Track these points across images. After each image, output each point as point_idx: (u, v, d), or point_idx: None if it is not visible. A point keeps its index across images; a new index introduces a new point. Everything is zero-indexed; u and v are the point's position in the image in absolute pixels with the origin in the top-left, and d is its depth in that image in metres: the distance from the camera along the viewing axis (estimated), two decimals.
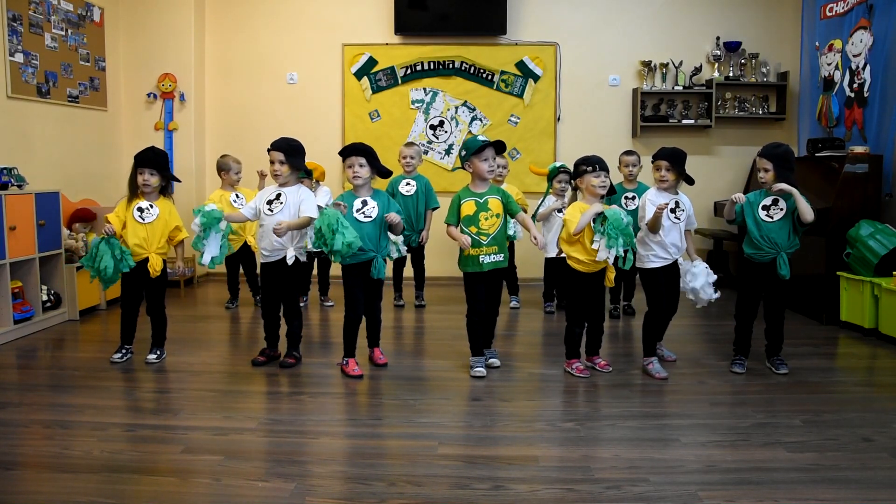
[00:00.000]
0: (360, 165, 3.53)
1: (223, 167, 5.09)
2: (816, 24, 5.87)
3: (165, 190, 3.83)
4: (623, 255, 3.36)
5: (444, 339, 4.37)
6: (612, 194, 3.58)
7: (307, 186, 3.79)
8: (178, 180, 4.13)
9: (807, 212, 3.41)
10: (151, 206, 3.74)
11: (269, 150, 3.67)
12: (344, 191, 4.09)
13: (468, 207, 3.52)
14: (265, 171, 4.60)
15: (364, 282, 3.58)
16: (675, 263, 3.66)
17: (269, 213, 3.65)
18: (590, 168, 3.45)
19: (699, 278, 3.66)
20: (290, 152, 3.64)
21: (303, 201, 3.65)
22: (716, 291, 3.68)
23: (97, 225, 5.24)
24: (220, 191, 5.11)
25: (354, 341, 3.66)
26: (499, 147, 3.54)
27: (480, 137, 3.55)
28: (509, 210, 3.56)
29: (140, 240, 3.70)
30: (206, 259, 3.68)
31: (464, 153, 3.54)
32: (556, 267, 5.05)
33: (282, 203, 3.64)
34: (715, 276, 3.70)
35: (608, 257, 3.36)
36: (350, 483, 2.42)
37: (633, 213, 4.34)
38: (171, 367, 3.78)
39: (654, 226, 3.52)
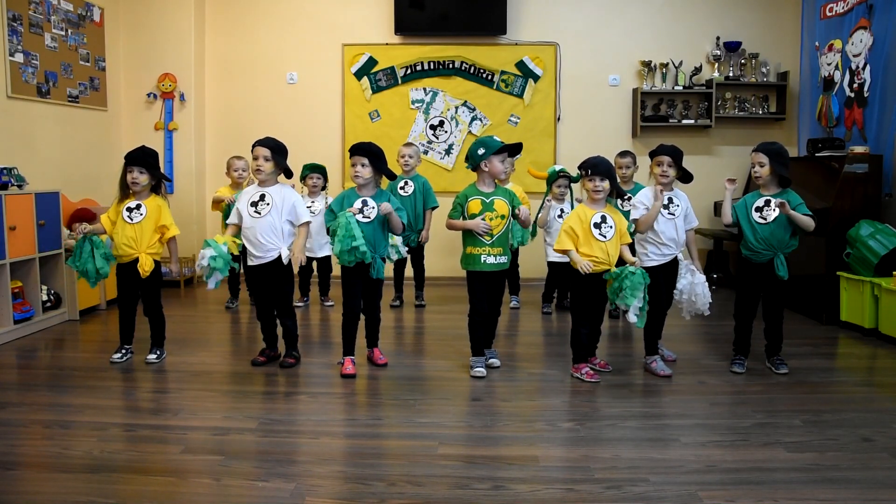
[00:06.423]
0: (362, 165, 3.52)
1: (228, 165, 5.20)
2: (816, 24, 5.87)
3: (157, 189, 3.81)
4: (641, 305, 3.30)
5: (444, 339, 4.37)
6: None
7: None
8: (168, 179, 4.11)
9: (806, 224, 3.45)
10: (140, 206, 3.71)
11: (252, 147, 3.65)
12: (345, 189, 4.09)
13: (474, 206, 3.52)
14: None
15: (363, 281, 3.58)
16: (675, 261, 3.66)
17: (257, 215, 3.62)
18: (583, 172, 3.47)
19: (698, 287, 3.67)
20: (275, 149, 3.62)
21: (294, 205, 3.63)
22: (709, 308, 3.71)
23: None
24: (227, 188, 5.19)
25: (352, 340, 3.66)
26: (516, 150, 3.57)
27: (495, 138, 3.56)
28: (513, 206, 3.56)
29: (129, 239, 3.67)
30: (212, 284, 3.62)
31: (482, 151, 3.49)
32: (559, 271, 5.05)
33: (268, 204, 3.61)
34: (710, 296, 3.70)
35: (632, 313, 3.30)
36: (350, 483, 2.42)
37: (628, 214, 4.33)
38: (171, 367, 3.78)
39: (643, 227, 3.57)
